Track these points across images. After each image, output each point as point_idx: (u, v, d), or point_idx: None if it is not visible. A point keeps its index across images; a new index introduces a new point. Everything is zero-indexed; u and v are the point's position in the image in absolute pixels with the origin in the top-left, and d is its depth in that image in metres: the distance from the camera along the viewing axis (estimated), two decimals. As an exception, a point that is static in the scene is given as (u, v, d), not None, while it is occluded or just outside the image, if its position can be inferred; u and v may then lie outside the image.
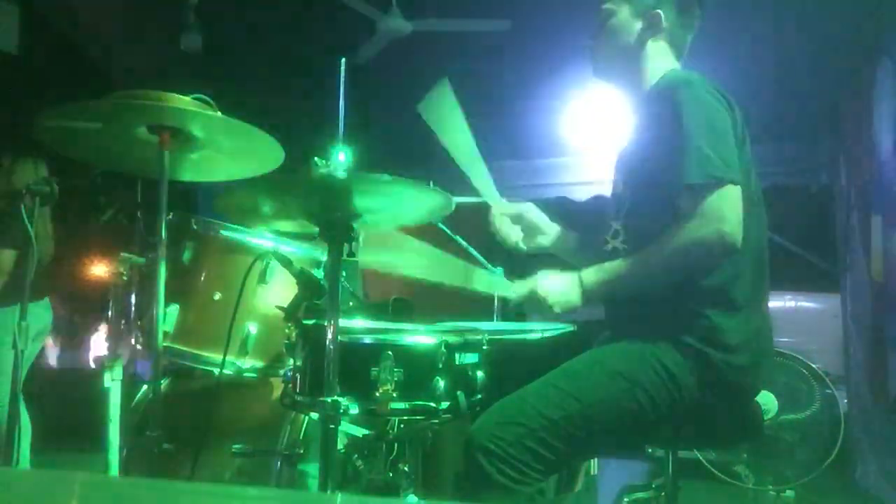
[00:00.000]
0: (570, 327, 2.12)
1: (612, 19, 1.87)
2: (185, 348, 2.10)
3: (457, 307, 1.80)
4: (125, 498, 1.06)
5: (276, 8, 4.63)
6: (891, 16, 3.68)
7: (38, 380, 3.14)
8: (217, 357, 2.02)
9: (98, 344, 9.21)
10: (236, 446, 1.99)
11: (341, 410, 1.62)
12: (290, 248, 2.09)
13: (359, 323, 1.95)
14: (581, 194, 5.58)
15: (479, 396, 1.80)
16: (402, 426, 1.91)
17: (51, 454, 3.34)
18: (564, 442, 1.59)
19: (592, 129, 4.81)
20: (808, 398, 4.05)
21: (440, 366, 1.71)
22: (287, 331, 1.80)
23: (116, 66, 5.31)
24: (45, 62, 4.88)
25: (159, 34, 4.71)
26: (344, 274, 1.74)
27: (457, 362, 1.76)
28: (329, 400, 1.60)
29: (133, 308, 2.16)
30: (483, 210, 2.01)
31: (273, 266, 2.06)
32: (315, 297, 1.78)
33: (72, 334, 9.56)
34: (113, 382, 2.07)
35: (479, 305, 2.48)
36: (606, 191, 1.97)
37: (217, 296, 2.11)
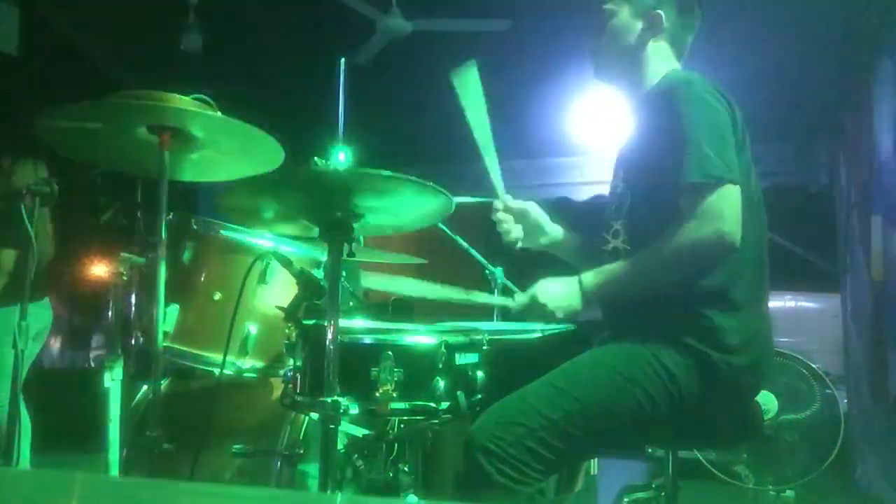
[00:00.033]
0: (570, 326, 2.12)
1: (612, 20, 1.87)
2: (185, 348, 2.10)
3: (457, 307, 1.80)
4: (125, 498, 1.06)
5: (276, 8, 4.63)
6: (891, 16, 3.68)
7: (38, 380, 3.13)
8: (217, 357, 2.02)
9: (98, 344, 9.20)
10: (236, 446, 1.99)
11: (341, 410, 1.62)
12: (290, 248, 2.09)
13: (359, 323, 1.96)
14: (582, 194, 5.59)
15: (479, 396, 1.80)
16: (402, 426, 1.91)
17: (51, 454, 3.33)
18: (564, 442, 1.59)
19: (593, 130, 4.80)
20: (808, 398, 4.04)
21: (440, 366, 1.71)
22: (287, 331, 1.80)
23: (116, 67, 5.31)
24: (45, 63, 4.86)
25: (159, 34, 4.70)
26: (344, 274, 1.74)
27: (457, 362, 1.76)
28: (329, 400, 1.60)
29: (133, 308, 2.15)
30: (483, 210, 2.01)
31: (273, 266, 2.06)
32: (315, 297, 1.78)
33: (72, 334, 9.54)
34: (113, 382, 2.06)
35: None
36: (607, 191, 1.97)
37: (217, 296, 2.11)
